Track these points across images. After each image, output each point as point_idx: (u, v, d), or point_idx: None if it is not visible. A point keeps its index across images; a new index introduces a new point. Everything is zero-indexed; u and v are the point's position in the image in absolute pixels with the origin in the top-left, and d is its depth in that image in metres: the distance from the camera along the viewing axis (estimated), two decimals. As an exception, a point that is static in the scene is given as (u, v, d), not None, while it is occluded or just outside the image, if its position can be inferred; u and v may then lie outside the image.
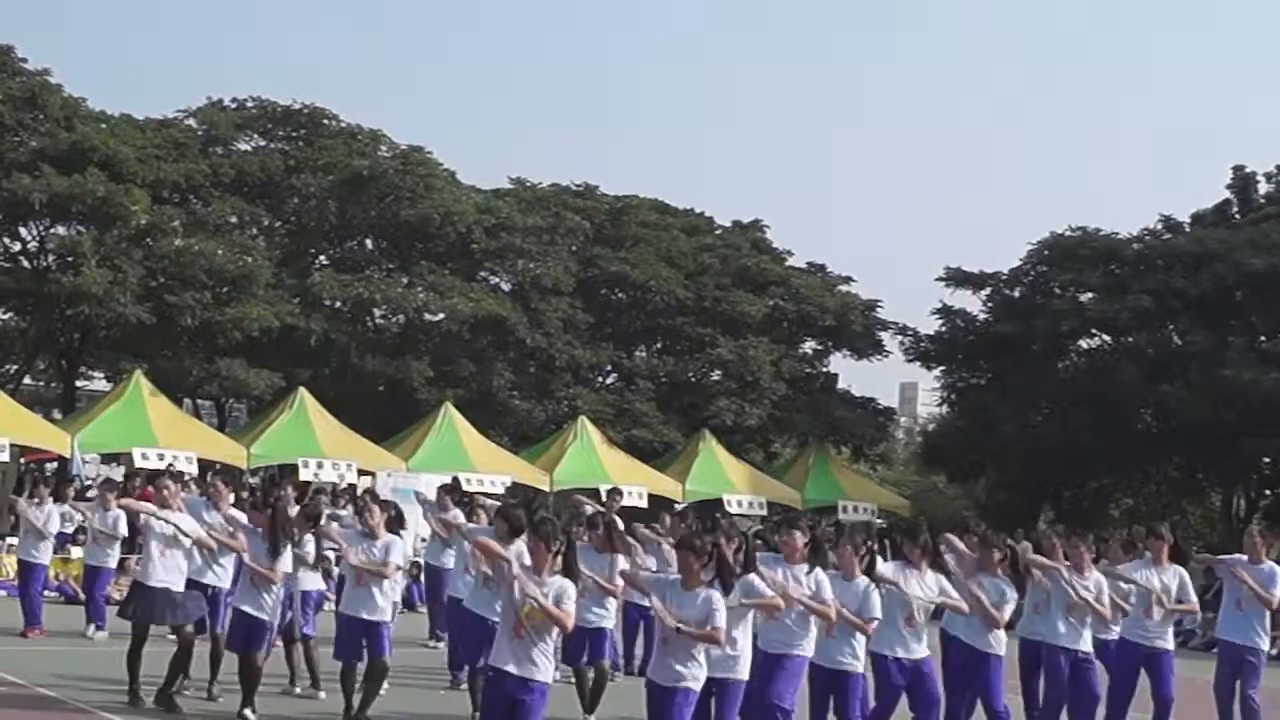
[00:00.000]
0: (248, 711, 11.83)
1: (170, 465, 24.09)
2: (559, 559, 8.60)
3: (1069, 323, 35.42)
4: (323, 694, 13.12)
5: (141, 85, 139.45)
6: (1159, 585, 12.53)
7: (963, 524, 12.76)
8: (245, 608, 12.06)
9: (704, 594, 8.86)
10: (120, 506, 16.00)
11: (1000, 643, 11.47)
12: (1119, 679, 12.61)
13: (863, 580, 10.68)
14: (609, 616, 13.18)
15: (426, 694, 13.96)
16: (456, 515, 17.73)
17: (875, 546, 11.77)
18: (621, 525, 14.07)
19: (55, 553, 19.28)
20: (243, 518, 13.25)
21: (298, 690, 13.36)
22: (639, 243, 39.27)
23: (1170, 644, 12.62)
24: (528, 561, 8.62)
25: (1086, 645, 12.11)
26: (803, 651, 10.39)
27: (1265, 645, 13.06)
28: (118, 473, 30.01)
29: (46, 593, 18.22)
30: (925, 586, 11.04)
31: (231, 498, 14.30)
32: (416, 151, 36.76)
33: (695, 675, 8.80)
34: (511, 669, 8.35)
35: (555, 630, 8.52)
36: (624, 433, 34.79)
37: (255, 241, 34.86)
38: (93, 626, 16.70)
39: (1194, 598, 13.15)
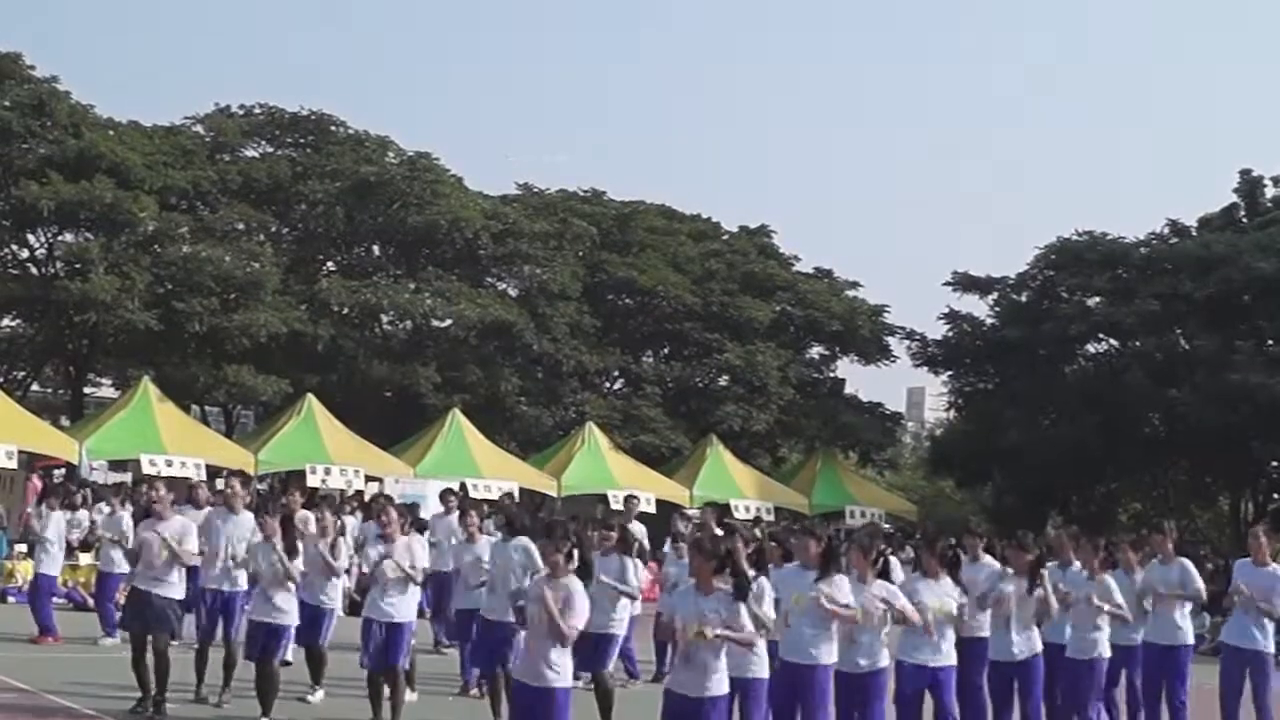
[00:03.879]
0: None
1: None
2: (571, 560, 8.68)
3: (1076, 327, 35.38)
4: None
5: (149, 92, 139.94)
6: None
7: (964, 526, 12.70)
8: (259, 616, 12.11)
9: (722, 598, 8.44)
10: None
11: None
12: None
13: (878, 584, 10.57)
14: (620, 623, 13.17)
15: (438, 700, 13.96)
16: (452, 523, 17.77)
17: (887, 548, 11.56)
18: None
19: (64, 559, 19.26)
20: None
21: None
22: (646, 248, 39.29)
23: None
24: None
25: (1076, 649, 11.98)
26: (824, 660, 9.98)
27: (1270, 648, 12.98)
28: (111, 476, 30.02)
29: (55, 599, 18.21)
30: (943, 594, 10.84)
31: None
32: (424, 157, 36.80)
33: (720, 682, 8.41)
34: (529, 680, 8.48)
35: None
36: (631, 438, 34.80)
37: (263, 248, 34.90)
38: (103, 633, 16.71)
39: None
